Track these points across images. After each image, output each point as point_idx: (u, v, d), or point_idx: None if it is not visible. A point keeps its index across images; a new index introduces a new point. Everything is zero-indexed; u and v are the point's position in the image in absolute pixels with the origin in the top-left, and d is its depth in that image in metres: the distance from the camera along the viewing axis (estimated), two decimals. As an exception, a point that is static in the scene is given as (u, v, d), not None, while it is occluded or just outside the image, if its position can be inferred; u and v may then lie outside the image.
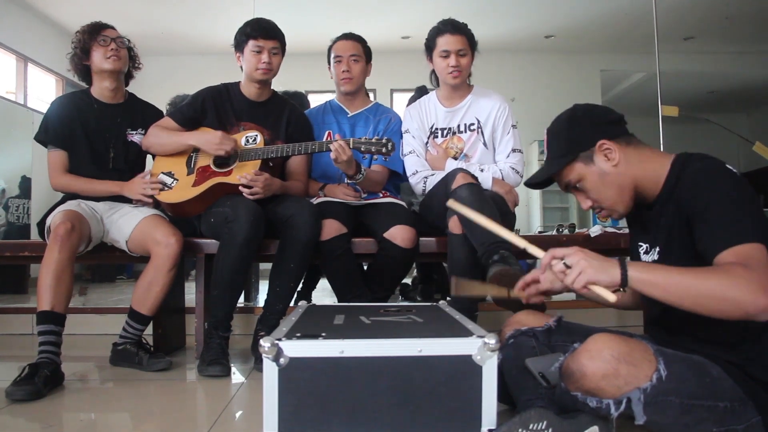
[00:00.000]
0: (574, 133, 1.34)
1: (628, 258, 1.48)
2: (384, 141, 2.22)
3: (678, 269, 1.13)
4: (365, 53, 2.63)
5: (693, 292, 1.09)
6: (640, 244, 1.39)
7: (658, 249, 1.32)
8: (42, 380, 1.78)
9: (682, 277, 1.11)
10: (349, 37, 2.64)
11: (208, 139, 2.28)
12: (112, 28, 2.40)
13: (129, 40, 2.45)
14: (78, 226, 2.06)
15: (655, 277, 1.13)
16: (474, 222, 1.92)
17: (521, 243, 1.34)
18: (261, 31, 2.34)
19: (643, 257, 1.37)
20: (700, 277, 1.10)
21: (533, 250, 1.30)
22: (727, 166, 1.23)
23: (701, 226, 1.18)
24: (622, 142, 1.32)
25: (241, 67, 2.42)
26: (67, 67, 2.41)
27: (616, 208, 1.35)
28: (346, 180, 2.46)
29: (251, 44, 2.33)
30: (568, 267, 1.17)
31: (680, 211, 1.23)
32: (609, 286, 1.16)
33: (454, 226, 2.10)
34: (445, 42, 2.40)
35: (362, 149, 2.24)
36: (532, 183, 1.46)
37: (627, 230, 2.41)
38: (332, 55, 2.61)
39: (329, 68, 2.67)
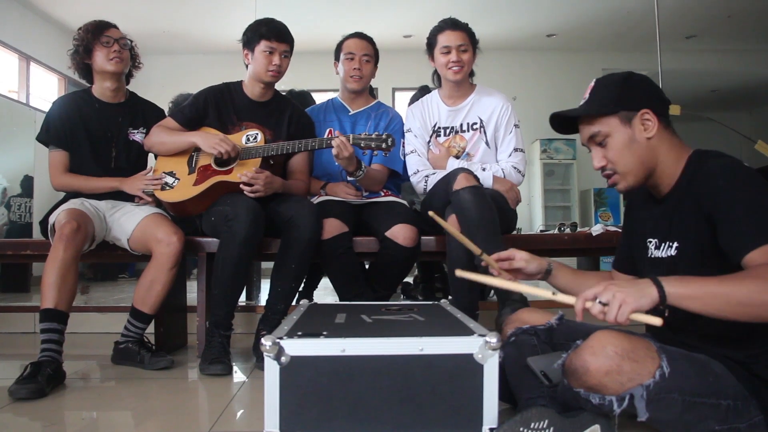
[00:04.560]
0: (626, 91, 1.31)
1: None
2: (384, 136, 2.21)
3: (711, 279, 1.10)
4: (375, 55, 2.64)
5: (731, 300, 1.06)
6: (650, 239, 1.37)
7: (676, 245, 1.29)
8: (45, 379, 1.78)
9: (718, 288, 1.08)
10: (362, 36, 2.64)
11: (208, 140, 2.27)
12: (115, 27, 2.40)
13: (131, 40, 2.45)
14: (83, 224, 2.06)
15: (692, 291, 1.09)
16: (474, 229, 1.95)
17: (547, 296, 1.23)
18: (275, 33, 2.33)
19: (654, 252, 1.35)
20: (735, 285, 1.07)
21: (562, 298, 1.21)
22: (745, 164, 1.22)
23: (726, 225, 1.16)
24: (663, 122, 1.30)
25: (246, 65, 2.41)
26: (68, 65, 2.41)
27: (626, 177, 1.32)
28: (347, 177, 2.46)
29: (263, 44, 2.32)
30: (604, 305, 1.11)
31: (700, 207, 1.21)
32: (650, 308, 1.11)
33: (452, 226, 2.10)
34: (445, 38, 2.41)
35: (362, 145, 2.23)
36: (560, 115, 1.39)
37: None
38: (343, 52, 2.61)
39: (335, 65, 2.67)
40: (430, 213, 1.60)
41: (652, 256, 1.36)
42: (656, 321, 1.09)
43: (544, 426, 1.15)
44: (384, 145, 2.21)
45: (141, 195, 2.33)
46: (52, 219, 2.19)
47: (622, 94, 1.31)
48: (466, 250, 2.06)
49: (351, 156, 2.24)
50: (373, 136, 2.22)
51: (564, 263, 1.58)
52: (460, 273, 1.35)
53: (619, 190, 1.36)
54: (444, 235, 2.19)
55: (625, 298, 1.09)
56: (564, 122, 1.41)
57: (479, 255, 1.53)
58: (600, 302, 1.12)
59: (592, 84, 1.37)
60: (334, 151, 2.23)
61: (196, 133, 2.35)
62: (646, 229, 1.40)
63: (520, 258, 1.50)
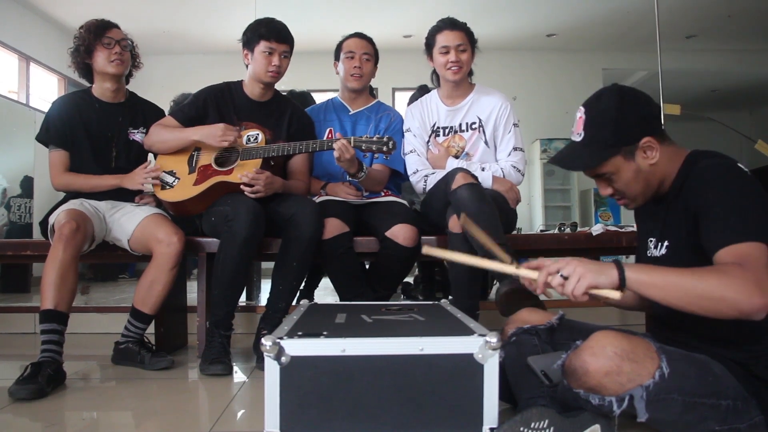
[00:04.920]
0: (622, 125, 1.27)
1: (632, 257, 1.47)
2: (385, 140, 2.21)
3: (675, 270, 1.13)
4: (375, 55, 2.65)
5: (690, 292, 1.10)
6: (651, 239, 1.39)
7: (666, 244, 1.31)
8: (45, 379, 1.78)
9: (679, 278, 1.11)
10: (362, 36, 2.65)
11: (211, 132, 2.26)
12: (117, 27, 2.40)
13: (132, 41, 2.45)
14: (83, 225, 2.06)
15: (652, 278, 1.13)
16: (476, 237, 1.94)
17: (510, 270, 1.28)
18: (275, 34, 2.33)
19: (653, 252, 1.37)
20: (696, 277, 1.10)
21: (524, 272, 1.26)
22: (739, 164, 1.23)
23: (705, 223, 1.18)
24: (661, 140, 1.30)
25: (246, 65, 2.41)
26: (68, 63, 2.41)
27: (636, 200, 1.34)
28: (347, 178, 2.46)
29: (263, 45, 2.32)
30: (566, 278, 1.17)
31: (688, 207, 1.23)
32: (610, 288, 1.15)
33: (453, 224, 2.10)
34: (444, 38, 2.41)
35: (363, 148, 2.24)
36: (566, 165, 1.37)
37: (628, 229, 2.43)
38: (343, 51, 2.61)
39: (335, 65, 2.67)
40: (460, 223, 1.56)
41: (651, 255, 1.37)
42: (615, 294, 1.15)
43: (545, 426, 1.15)
44: (385, 148, 2.21)
45: (142, 188, 2.32)
46: (51, 219, 2.19)
47: (618, 130, 1.28)
48: (467, 250, 2.06)
49: (353, 159, 2.24)
50: (374, 139, 2.22)
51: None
52: (426, 249, 1.38)
53: (628, 208, 1.39)
54: (445, 234, 2.18)
55: (585, 273, 1.15)
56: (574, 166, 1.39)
57: (510, 264, 1.49)
58: (561, 275, 1.17)
59: (583, 116, 1.32)
60: (336, 153, 2.23)
61: (197, 128, 2.34)
62: (647, 228, 1.41)
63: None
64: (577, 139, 1.32)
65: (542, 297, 1.51)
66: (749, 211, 1.15)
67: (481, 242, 1.54)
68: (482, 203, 2.01)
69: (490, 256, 1.47)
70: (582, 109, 1.33)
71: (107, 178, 2.34)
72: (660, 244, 1.34)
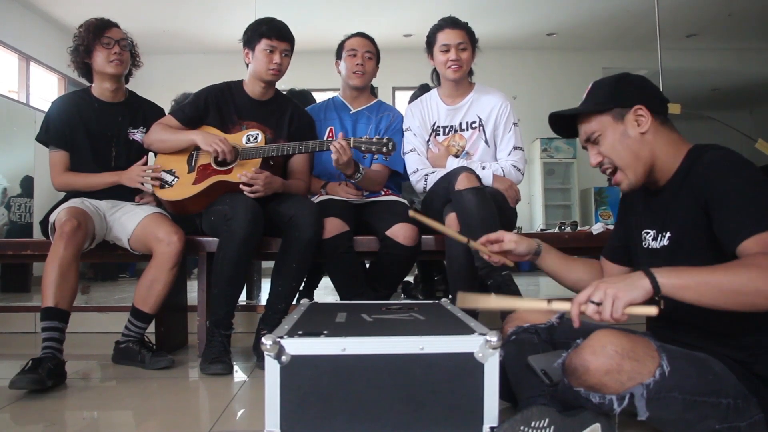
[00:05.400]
0: (619, 88, 1.33)
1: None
2: (385, 141, 2.21)
3: (706, 269, 1.10)
4: (377, 54, 2.66)
5: (725, 289, 1.06)
6: (647, 230, 1.38)
7: (669, 234, 1.30)
8: (46, 372, 1.78)
9: (711, 277, 1.08)
10: (364, 35, 2.66)
11: (206, 136, 2.27)
12: (116, 26, 2.40)
13: (132, 40, 2.44)
14: (83, 223, 2.06)
15: (685, 281, 1.09)
16: (475, 231, 1.97)
17: (542, 306, 1.22)
18: (276, 32, 2.33)
19: (651, 244, 1.36)
20: (728, 273, 1.07)
21: (557, 306, 1.20)
22: (744, 157, 1.23)
23: (721, 213, 1.16)
24: (658, 118, 1.31)
25: (247, 64, 2.41)
26: (67, 62, 2.40)
27: (626, 173, 1.32)
28: (345, 179, 2.46)
29: (264, 43, 2.32)
30: (598, 304, 1.11)
31: (696, 197, 1.22)
32: (644, 301, 1.10)
33: (451, 224, 2.10)
34: (444, 37, 2.41)
35: (363, 149, 2.24)
36: (557, 114, 1.41)
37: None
38: (345, 50, 2.62)
39: (337, 64, 2.67)
40: (411, 213, 1.64)
41: (649, 246, 1.36)
42: (652, 310, 1.09)
43: (545, 425, 1.15)
44: (384, 149, 2.21)
45: (140, 187, 2.32)
46: (52, 218, 2.19)
47: (615, 91, 1.33)
48: (465, 249, 2.07)
49: (349, 160, 2.24)
50: (374, 139, 2.22)
51: (552, 246, 1.61)
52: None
53: (622, 190, 1.37)
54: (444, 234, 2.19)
55: (617, 293, 1.09)
56: (563, 124, 1.43)
57: (466, 243, 1.54)
58: (593, 302, 1.11)
59: (589, 86, 1.39)
60: (333, 156, 2.23)
61: (196, 131, 2.34)
62: (642, 221, 1.40)
63: (509, 239, 1.52)
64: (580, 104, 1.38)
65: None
66: (765, 199, 1.14)
67: (436, 228, 1.60)
68: (486, 210, 2.04)
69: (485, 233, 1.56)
70: (591, 83, 1.40)
71: (106, 175, 2.34)
72: (661, 235, 1.33)
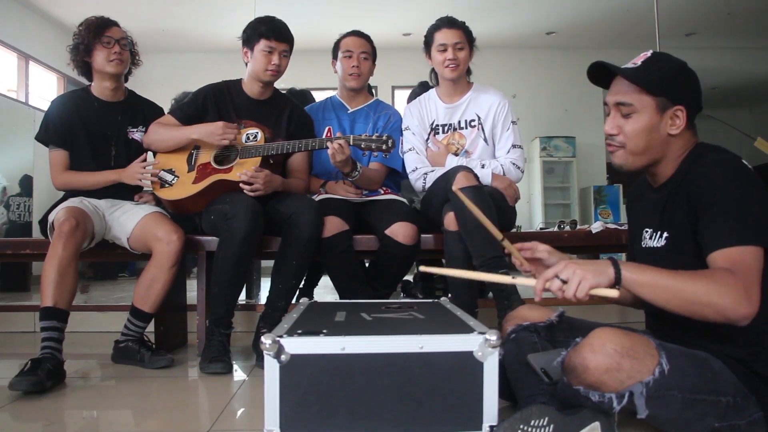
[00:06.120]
0: (677, 80, 1.30)
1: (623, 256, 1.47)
2: (384, 138, 2.21)
3: (668, 272, 1.14)
4: (373, 53, 2.64)
5: (679, 295, 1.11)
6: (647, 229, 1.38)
7: (666, 235, 1.31)
8: (45, 373, 1.78)
9: (670, 280, 1.13)
10: (359, 34, 2.64)
11: (210, 131, 2.26)
12: (116, 25, 2.39)
13: (132, 39, 2.44)
14: (82, 222, 2.06)
15: (645, 278, 1.15)
16: (472, 230, 1.95)
17: (507, 280, 1.31)
18: (275, 33, 2.32)
19: (649, 242, 1.36)
20: (687, 281, 1.12)
21: (521, 281, 1.28)
22: (743, 162, 1.22)
23: (704, 221, 1.18)
24: (689, 123, 1.30)
25: (246, 63, 2.41)
26: (67, 61, 2.40)
27: (628, 156, 1.32)
28: (342, 177, 2.46)
29: (263, 43, 2.32)
30: (564, 282, 1.17)
31: (690, 199, 1.23)
32: (608, 287, 1.16)
33: (449, 222, 2.11)
34: (442, 36, 2.42)
35: (362, 146, 2.23)
36: (604, 65, 1.36)
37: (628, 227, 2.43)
38: (341, 50, 2.60)
39: (333, 63, 2.66)
40: (454, 188, 1.64)
41: (646, 245, 1.37)
42: (613, 293, 1.16)
43: (544, 423, 1.15)
44: (384, 147, 2.21)
45: (139, 183, 2.32)
46: (51, 217, 2.19)
47: (672, 81, 1.29)
48: (463, 248, 2.08)
49: (347, 159, 2.24)
50: (374, 137, 2.22)
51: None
52: (423, 268, 1.40)
53: (614, 163, 1.36)
54: (442, 233, 2.19)
55: (585, 275, 1.15)
56: (600, 73, 1.38)
57: (501, 240, 1.49)
58: (560, 279, 1.17)
59: (649, 54, 1.34)
60: (329, 152, 2.22)
61: (196, 126, 2.34)
62: (643, 219, 1.41)
63: (543, 249, 1.46)
64: (631, 65, 1.33)
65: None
66: (749, 213, 1.15)
67: (476, 215, 1.49)
68: (484, 209, 2.01)
69: (483, 233, 1.54)
70: (649, 52, 1.35)
71: (106, 173, 2.33)
72: (658, 234, 1.33)
